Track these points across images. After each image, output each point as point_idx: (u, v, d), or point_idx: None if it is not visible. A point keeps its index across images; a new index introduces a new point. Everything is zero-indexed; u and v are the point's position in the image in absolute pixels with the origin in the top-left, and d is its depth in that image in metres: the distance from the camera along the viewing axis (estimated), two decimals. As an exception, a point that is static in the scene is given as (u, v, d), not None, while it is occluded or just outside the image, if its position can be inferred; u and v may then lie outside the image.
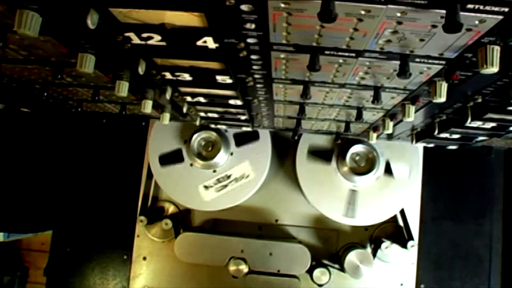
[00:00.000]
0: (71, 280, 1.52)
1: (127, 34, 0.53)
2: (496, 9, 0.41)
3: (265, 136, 1.32)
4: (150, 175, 1.40)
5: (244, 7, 0.45)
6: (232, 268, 1.30)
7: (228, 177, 1.31)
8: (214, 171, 1.32)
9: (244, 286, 1.31)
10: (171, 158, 1.33)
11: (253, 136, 1.31)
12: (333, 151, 1.32)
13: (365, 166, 1.31)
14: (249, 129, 1.17)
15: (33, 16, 0.49)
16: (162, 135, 1.34)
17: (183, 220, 1.45)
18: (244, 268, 1.30)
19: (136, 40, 0.55)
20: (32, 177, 1.52)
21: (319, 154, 1.32)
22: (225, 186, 1.31)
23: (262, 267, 1.31)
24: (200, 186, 1.32)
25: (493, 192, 1.46)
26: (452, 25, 0.40)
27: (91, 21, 0.48)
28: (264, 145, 1.32)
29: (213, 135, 1.29)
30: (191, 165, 1.32)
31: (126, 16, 0.48)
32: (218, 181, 1.31)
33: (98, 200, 1.52)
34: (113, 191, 1.51)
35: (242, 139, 1.32)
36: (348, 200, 1.30)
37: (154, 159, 1.34)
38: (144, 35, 0.53)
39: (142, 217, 1.37)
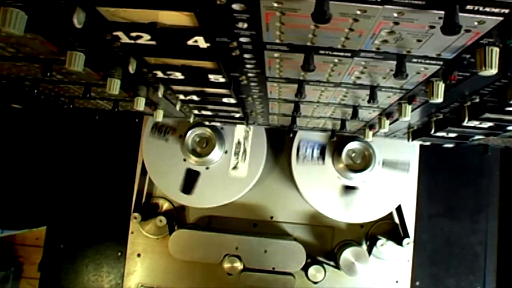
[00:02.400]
0: (65, 276, 1.51)
1: (115, 33, 0.52)
2: (496, 10, 0.40)
3: (261, 134, 1.31)
4: (144, 171, 1.38)
5: (235, 6, 0.44)
6: (226, 265, 1.29)
7: (239, 143, 1.31)
8: (207, 168, 1.31)
9: (239, 283, 1.31)
10: (190, 182, 1.33)
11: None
12: (325, 149, 1.31)
13: (361, 163, 1.30)
14: (243, 126, 1.16)
15: (17, 14, 0.47)
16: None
17: (178, 217, 1.44)
18: (239, 265, 1.29)
19: (125, 39, 0.53)
20: (26, 174, 1.51)
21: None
22: (245, 150, 1.31)
23: (257, 265, 1.30)
24: (230, 171, 1.31)
25: (489, 190, 1.46)
26: (450, 27, 0.39)
27: (78, 20, 0.46)
28: (259, 144, 1.31)
29: (207, 131, 1.28)
30: (207, 168, 1.32)
31: (113, 15, 0.47)
32: (236, 153, 1.31)
33: (92, 197, 1.51)
34: (107, 188, 1.50)
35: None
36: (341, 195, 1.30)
37: (149, 157, 1.33)
38: (133, 34, 0.52)
39: (136, 214, 1.36)
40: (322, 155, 1.31)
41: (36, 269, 2.13)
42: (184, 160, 1.31)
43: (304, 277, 1.34)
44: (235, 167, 1.31)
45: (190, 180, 1.32)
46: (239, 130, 1.31)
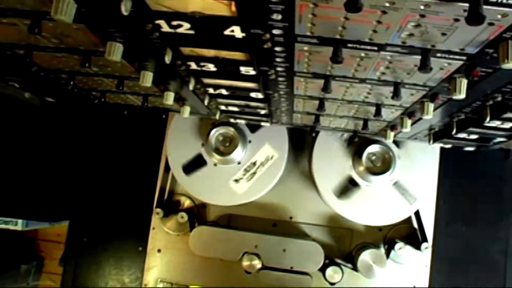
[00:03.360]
0: (86, 269, 1.55)
1: (157, 21, 0.55)
2: (520, 3, 0.42)
3: (283, 134, 1.34)
4: (167, 168, 1.42)
5: (272, -3, 0.47)
6: (245, 263, 1.31)
7: (254, 164, 1.33)
8: (239, 162, 1.33)
9: (257, 281, 1.33)
10: (194, 165, 1.36)
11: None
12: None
13: (381, 166, 1.31)
14: (267, 124, 1.18)
15: (69, 2, 0.51)
16: (180, 128, 1.38)
17: (198, 214, 1.47)
18: (257, 263, 1.31)
19: (165, 28, 0.57)
20: (50, 168, 1.56)
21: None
22: (254, 173, 1.33)
23: (275, 263, 1.32)
24: (230, 181, 1.34)
25: (510, 196, 1.45)
26: (475, 16, 0.41)
27: (125, 7, 0.50)
28: (281, 144, 1.33)
29: (230, 130, 1.31)
30: (215, 164, 1.34)
31: (157, 3, 0.50)
32: (246, 170, 1.33)
33: (115, 192, 1.55)
34: (131, 183, 1.54)
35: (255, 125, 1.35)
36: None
37: (175, 165, 1.37)
38: (174, 23, 0.55)
39: (158, 210, 1.39)
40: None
41: (57, 264, 2.18)
42: (215, 164, 1.34)
43: (321, 277, 1.35)
44: (237, 181, 1.34)
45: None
46: (263, 153, 1.34)
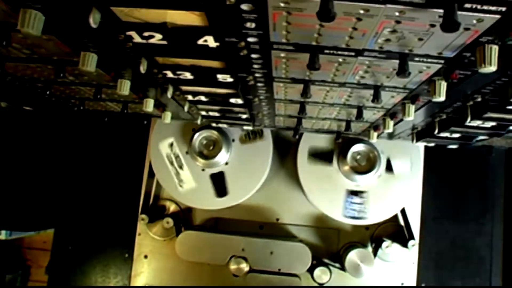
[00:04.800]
0: (72, 278, 1.52)
1: (128, 33, 0.54)
2: (494, 8, 0.42)
3: (266, 136, 1.33)
4: (151, 173, 1.40)
5: (244, 6, 0.46)
6: (233, 266, 1.30)
7: None
8: (226, 163, 1.33)
9: (245, 284, 1.32)
10: None
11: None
12: (333, 152, 1.32)
13: (366, 165, 1.31)
14: (250, 128, 1.17)
15: (36, 15, 0.49)
16: (164, 132, 1.36)
17: (184, 218, 1.46)
18: (245, 266, 1.30)
19: (137, 39, 0.56)
20: (34, 176, 1.53)
21: (320, 156, 1.33)
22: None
23: (263, 266, 1.31)
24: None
25: (494, 192, 1.46)
26: (449, 24, 0.40)
27: (93, 20, 0.48)
28: (265, 147, 1.32)
29: (214, 134, 1.30)
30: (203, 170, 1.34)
31: (127, 15, 0.49)
32: None
33: (99, 199, 1.53)
34: (115, 190, 1.52)
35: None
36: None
37: (156, 158, 1.35)
38: (146, 34, 0.54)
39: (143, 216, 1.38)
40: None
41: (43, 272, 2.15)
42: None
43: (310, 278, 1.35)
44: (181, 182, 1.33)
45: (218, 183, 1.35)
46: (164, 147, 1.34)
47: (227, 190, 1.34)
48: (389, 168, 1.31)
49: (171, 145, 1.33)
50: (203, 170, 1.34)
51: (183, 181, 1.34)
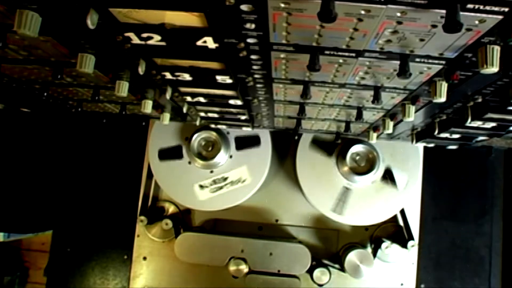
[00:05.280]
0: (71, 280, 1.52)
1: (127, 34, 0.53)
2: (496, 9, 0.41)
3: (266, 140, 1.32)
4: (150, 175, 1.40)
5: (244, 7, 0.45)
6: (232, 268, 1.30)
7: (225, 179, 1.32)
8: (212, 171, 1.32)
9: (244, 286, 1.31)
10: (170, 154, 1.34)
11: (254, 141, 1.31)
12: (336, 145, 1.31)
13: (365, 166, 1.31)
14: (249, 129, 1.17)
15: (32, 16, 0.49)
16: (163, 133, 1.35)
17: (183, 220, 1.45)
18: (244, 268, 1.30)
19: (136, 40, 0.55)
20: (32, 177, 1.52)
21: (322, 146, 1.32)
22: (221, 188, 1.32)
23: (262, 267, 1.31)
24: (196, 185, 1.32)
25: (493, 192, 1.46)
26: (452, 25, 0.40)
27: (91, 21, 0.48)
28: (264, 151, 1.32)
29: (213, 135, 1.29)
30: (189, 163, 1.32)
31: (125, 16, 0.48)
32: (214, 182, 1.32)
33: (98, 200, 1.52)
34: (113, 191, 1.51)
35: (243, 143, 1.32)
36: (340, 197, 1.30)
37: (153, 154, 1.35)
38: (144, 35, 0.53)
39: (142, 217, 1.37)
40: None
41: (42, 274, 2.14)
42: (189, 163, 1.32)
43: (309, 279, 1.34)
44: (202, 187, 1.32)
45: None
46: (239, 172, 1.32)
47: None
48: (387, 173, 1.31)
49: (241, 181, 1.32)
50: (189, 163, 1.33)
51: (203, 188, 1.33)
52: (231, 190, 1.32)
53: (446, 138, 0.98)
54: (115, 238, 1.51)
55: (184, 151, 1.33)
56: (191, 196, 1.33)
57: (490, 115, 0.73)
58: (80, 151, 1.54)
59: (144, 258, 1.44)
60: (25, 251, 2.48)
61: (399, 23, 0.46)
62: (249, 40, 0.54)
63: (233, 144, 1.32)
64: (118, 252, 1.51)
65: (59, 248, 1.53)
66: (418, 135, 1.05)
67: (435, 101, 0.63)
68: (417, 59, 0.56)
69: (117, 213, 1.50)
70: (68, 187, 1.53)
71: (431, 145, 1.15)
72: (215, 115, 0.99)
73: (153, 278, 1.44)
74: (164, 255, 1.44)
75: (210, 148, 1.31)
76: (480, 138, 0.97)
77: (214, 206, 1.34)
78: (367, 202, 1.31)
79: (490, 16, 0.42)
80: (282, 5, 0.44)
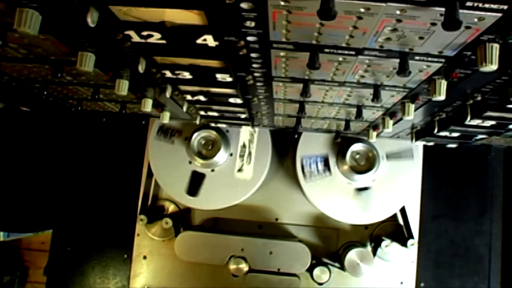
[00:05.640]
0: (71, 279, 1.52)
1: (127, 32, 0.53)
2: (495, 6, 0.41)
3: (265, 137, 1.32)
4: (150, 174, 1.40)
5: (244, 5, 0.45)
6: (232, 267, 1.30)
7: (244, 146, 1.32)
8: (213, 170, 1.32)
9: (244, 285, 1.31)
10: (195, 184, 1.34)
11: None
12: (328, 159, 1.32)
13: (365, 165, 1.31)
14: (249, 128, 1.17)
15: (33, 14, 0.49)
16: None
17: (183, 219, 1.45)
18: (244, 267, 1.30)
19: (136, 38, 0.55)
20: (32, 176, 1.52)
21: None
22: (250, 153, 1.32)
23: (263, 266, 1.31)
24: (235, 173, 1.33)
25: (492, 191, 1.46)
26: (451, 23, 0.40)
27: (91, 19, 0.48)
28: (264, 147, 1.32)
29: (213, 134, 1.29)
30: (190, 162, 1.32)
31: (126, 14, 0.49)
32: (242, 156, 1.32)
33: (98, 199, 1.52)
34: (113, 190, 1.51)
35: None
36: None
37: (153, 153, 1.35)
38: (144, 33, 0.53)
39: (142, 216, 1.37)
40: (326, 166, 1.32)
41: (42, 273, 2.14)
42: (190, 162, 1.32)
43: (309, 278, 1.34)
44: (240, 170, 1.32)
45: (195, 183, 1.33)
46: (245, 133, 1.32)
47: (199, 192, 1.33)
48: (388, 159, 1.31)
49: (252, 135, 1.32)
50: (190, 163, 1.34)
51: (243, 171, 1.33)
52: (256, 144, 1.32)
53: (445, 137, 0.99)
54: (115, 237, 1.51)
55: (184, 150, 1.33)
56: (243, 185, 1.33)
57: (489, 113, 0.73)
58: (80, 150, 1.54)
59: (144, 257, 1.44)
60: (25, 250, 2.48)
61: (399, 21, 0.47)
62: (249, 38, 0.55)
63: (233, 141, 1.32)
64: (118, 251, 1.51)
65: (59, 247, 1.53)
66: (418, 133, 1.06)
67: (434, 99, 0.63)
68: (417, 57, 0.56)
69: (117, 212, 1.50)
70: (68, 186, 1.53)
71: (431, 143, 1.15)
72: (215, 114, 0.99)
73: (153, 277, 1.44)
74: (164, 254, 1.44)
75: (210, 147, 1.31)
76: (480, 136, 0.97)
77: (214, 205, 1.34)
78: (380, 195, 1.31)
79: (489, 13, 0.43)
80: (282, 3, 0.45)
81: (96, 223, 1.52)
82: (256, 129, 1.31)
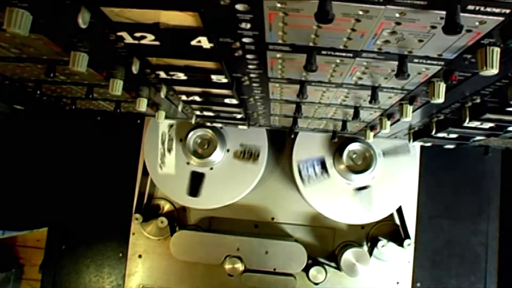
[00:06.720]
0: (66, 277, 1.51)
1: (119, 33, 0.52)
2: (497, 10, 0.40)
3: (262, 135, 1.31)
4: (145, 172, 1.39)
5: (239, 7, 0.44)
6: (228, 266, 1.29)
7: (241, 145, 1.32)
8: (211, 168, 1.31)
9: (240, 284, 1.31)
10: (196, 185, 1.34)
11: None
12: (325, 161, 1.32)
13: (362, 165, 1.30)
14: (245, 127, 1.16)
15: (23, 14, 0.48)
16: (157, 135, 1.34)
17: (179, 218, 1.45)
18: (240, 266, 1.29)
19: (129, 39, 0.54)
20: (27, 174, 1.51)
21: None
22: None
23: (258, 266, 1.31)
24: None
25: (489, 191, 1.46)
26: (452, 27, 0.39)
27: (82, 20, 0.46)
28: (260, 145, 1.31)
29: (209, 132, 1.29)
30: (188, 163, 1.31)
31: (118, 15, 0.47)
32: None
33: (93, 198, 1.51)
34: (109, 189, 1.50)
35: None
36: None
37: (149, 152, 1.34)
38: (137, 34, 0.52)
39: (137, 215, 1.36)
40: (324, 168, 1.31)
41: (37, 270, 2.13)
42: (188, 163, 1.32)
43: (305, 278, 1.34)
44: (162, 163, 1.31)
45: (196, 183, 1.32)
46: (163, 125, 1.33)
47: (200, 192, 1.32)
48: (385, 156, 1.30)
49: (171, 126, 1.32)
50: (188, 163, 1.32)
51: (165, 164, 1.32)
52: (231, 184, 1.32)
53: (443, 138, 0.98)
54: (111, 236, 1.50)
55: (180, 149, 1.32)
56: (186, 194, 1.32)
57: (488, 115, 0.72)
58: (75, 149, 1.52)
59: (140, 256, 1.44)
60: (20, 247, 2.46)
61: (398, 23, 0.46)
62: (245, 40, 0.53)
63: (229, 138, 1.31)
64: (113, 249, 1.50)
65: (54, 245, 1.52)
66: (415, 134, 1.05)
67: (433, 101, 0.62)
68: (416, 60, 0.55)
69: (112, 210, 1.49)
70: (63, 185, 1.52)
71: (428, 144, 1.14)
72: (211, 114, 0.98)
73: (149, 276, 1.43)
74: (159, 253, 1.43)
75: (206, 146, 1.30)
76: (478, 138, 0.96)
77: (209, 204, 1.33)
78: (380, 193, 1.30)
79: (490, 17, 0.42)
80: (278, 5, 0.43)
81: (92, 221, 1.50)
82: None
